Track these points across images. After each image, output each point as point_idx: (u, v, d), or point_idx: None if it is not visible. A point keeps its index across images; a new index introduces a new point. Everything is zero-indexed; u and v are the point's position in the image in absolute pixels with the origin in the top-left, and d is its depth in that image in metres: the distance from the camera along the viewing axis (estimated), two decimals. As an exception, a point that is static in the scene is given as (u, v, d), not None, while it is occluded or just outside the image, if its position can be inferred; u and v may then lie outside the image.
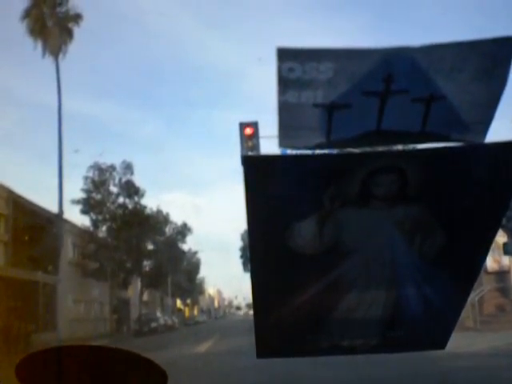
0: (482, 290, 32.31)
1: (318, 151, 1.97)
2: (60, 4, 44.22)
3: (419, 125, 1.92)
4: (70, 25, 44.46)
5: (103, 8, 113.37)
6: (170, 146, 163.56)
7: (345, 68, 1.77)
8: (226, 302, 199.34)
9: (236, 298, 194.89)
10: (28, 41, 43.49)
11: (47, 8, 43.62)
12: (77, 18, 44.74)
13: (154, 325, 52.26)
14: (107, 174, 50.22)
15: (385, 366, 12.71)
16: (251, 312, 2.57)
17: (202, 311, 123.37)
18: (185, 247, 74.93)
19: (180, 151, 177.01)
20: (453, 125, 1.93)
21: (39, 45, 43.42)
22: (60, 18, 43.91)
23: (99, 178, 49.72)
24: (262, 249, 2.08)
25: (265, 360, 2.62)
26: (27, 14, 43.06)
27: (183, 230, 69.78)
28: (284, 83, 1.76)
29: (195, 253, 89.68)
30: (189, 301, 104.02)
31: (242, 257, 78.81)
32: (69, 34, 44.23)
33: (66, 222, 44.03)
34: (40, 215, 39.67)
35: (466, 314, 28.57)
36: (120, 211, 50.84)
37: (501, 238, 28.81)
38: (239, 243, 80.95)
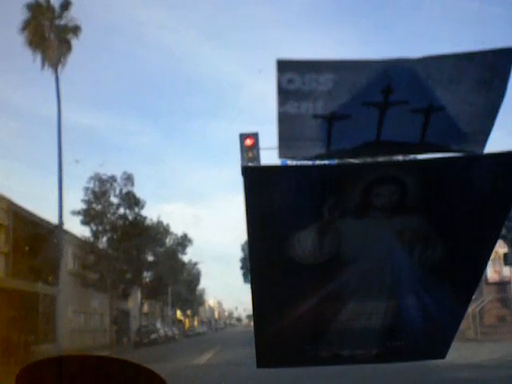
0: (483, 301, 32.30)
1: (317, 162, 1.96)
2: (59, 16, 44.43)
3: (419, 135, 1.92)
4: (69, 37, 44.64)
5: (102, 20, 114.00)
6: (170, 157, 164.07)
7: (344, 79, 1.77)
8: (226, 313, 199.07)
9: (236, 309, 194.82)
10: (27, 52, 43.76)
11: (46, 20, 43.80)
12: (76, 30, 44.95)
13: (154, 336, 52.03)
14: (108, 185, 50.22)
15: (384, 376, 12.68)
16: (252, 323, 2.57)
17: (202, 322, 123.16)
18: (185, 258, 75.07)
19: (180, 162, 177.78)
20: (452, 135, 1.93)
21: (38, 56, 43.65)
22: (59, 30, 44.07)
23: (100, 189, 49.70)
24: (262, 259, 2.08)
25: (265, 370, 2.62)
26: (26, 25, 43.25)
27: (183, 241, 69.88)
28: (284, 94, 1.76)
29: (195, 264, 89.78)
30: (189, 312, 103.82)
31: (242, 268, 78.49)
32: (68, 46, 44.41)
33: (66, 232, 44.00)
34: (40, 226, 39.67)
35: (467, 325, 28.53)
36: (120, 222, 50.80)
37: (501, 248, 28.82)
38: (239, 254, 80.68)
